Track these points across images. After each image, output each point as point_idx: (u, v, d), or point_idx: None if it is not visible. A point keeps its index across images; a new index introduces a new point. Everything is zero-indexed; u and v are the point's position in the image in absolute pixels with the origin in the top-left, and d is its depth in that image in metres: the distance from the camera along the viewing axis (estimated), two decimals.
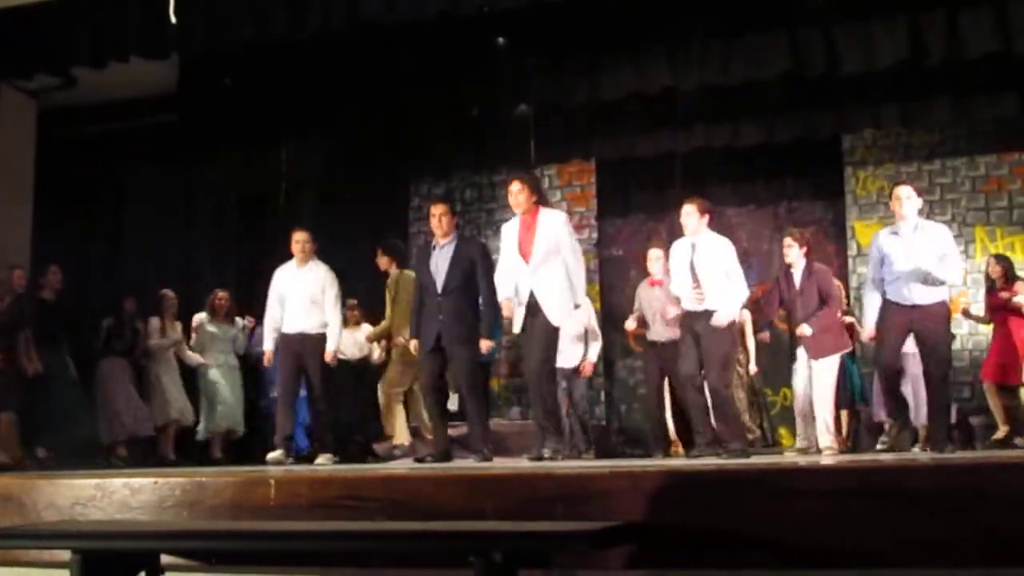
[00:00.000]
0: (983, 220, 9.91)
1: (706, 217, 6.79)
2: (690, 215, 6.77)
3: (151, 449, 8.86)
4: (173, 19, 7.18)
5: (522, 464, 5.71)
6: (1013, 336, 8.16)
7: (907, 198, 6.54)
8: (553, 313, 6.08)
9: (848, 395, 8.62)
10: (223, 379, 9.12)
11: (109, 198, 10.47)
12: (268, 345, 7.39)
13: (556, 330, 6.15)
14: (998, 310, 8.27)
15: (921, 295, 6.38)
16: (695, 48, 8.27)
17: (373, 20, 7.29)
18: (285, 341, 7.27)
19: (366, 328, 9.50)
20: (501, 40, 8.54)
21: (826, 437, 7.29)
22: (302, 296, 7.24)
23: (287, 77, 8.98)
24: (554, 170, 11.18)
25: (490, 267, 6.35)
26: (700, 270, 6.70)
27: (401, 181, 11.63)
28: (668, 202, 10.80)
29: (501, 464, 5.99)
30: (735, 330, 7.02)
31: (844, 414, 8.74)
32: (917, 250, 6.40)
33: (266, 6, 7.42)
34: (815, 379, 7.41)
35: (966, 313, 8.86)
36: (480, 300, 6.30)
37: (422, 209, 11.56)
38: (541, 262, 6.12)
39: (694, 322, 6.69)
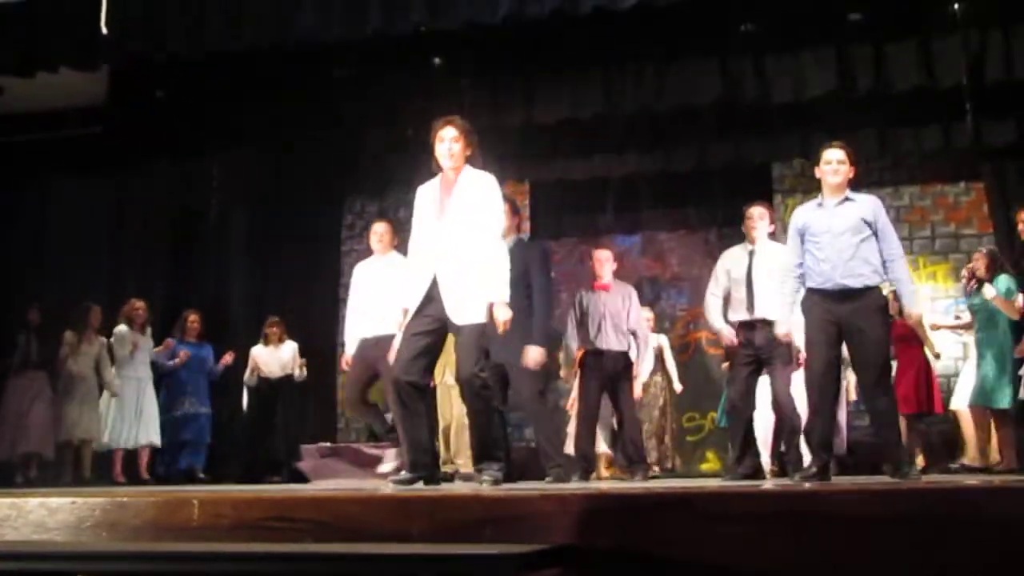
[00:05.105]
0: (906, 249, 10.00)
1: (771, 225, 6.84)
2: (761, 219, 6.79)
3: (62, 468, 8.67)
4: (104, 30, 7.06)
5: (451, 486, 5.68)
6: (917, 365, 8.40)
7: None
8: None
9: None
10: (140, 392, 8.96)
11: (33, 209, 10.25)
12: None
13: None
14: (900, 340, 8.30)
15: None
16: (629, 74, 8.37)
17: (309, 36, 7.25)
18: None
19: (290, 345, 9.39)
20: (437, 60, 8.55)
21: None
22: None
23: (220, 90, 8.88)
24: None
25: None
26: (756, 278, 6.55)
27: (335, 198, 11.56)
28: (600, 226, 10.94)
29: (430, 486, 5.94)
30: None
31: None
32: None
33: (200, 19, 7.34)
34: None
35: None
36: None
37: (355, 226, 11.51)
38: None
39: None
